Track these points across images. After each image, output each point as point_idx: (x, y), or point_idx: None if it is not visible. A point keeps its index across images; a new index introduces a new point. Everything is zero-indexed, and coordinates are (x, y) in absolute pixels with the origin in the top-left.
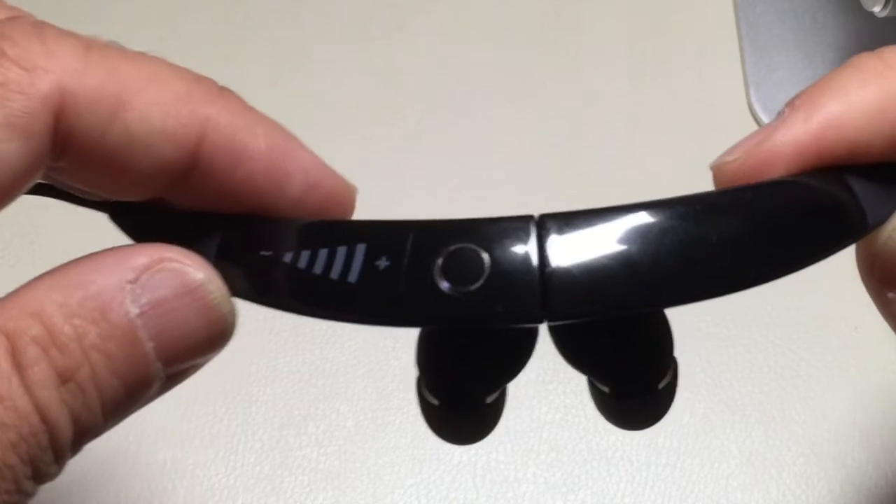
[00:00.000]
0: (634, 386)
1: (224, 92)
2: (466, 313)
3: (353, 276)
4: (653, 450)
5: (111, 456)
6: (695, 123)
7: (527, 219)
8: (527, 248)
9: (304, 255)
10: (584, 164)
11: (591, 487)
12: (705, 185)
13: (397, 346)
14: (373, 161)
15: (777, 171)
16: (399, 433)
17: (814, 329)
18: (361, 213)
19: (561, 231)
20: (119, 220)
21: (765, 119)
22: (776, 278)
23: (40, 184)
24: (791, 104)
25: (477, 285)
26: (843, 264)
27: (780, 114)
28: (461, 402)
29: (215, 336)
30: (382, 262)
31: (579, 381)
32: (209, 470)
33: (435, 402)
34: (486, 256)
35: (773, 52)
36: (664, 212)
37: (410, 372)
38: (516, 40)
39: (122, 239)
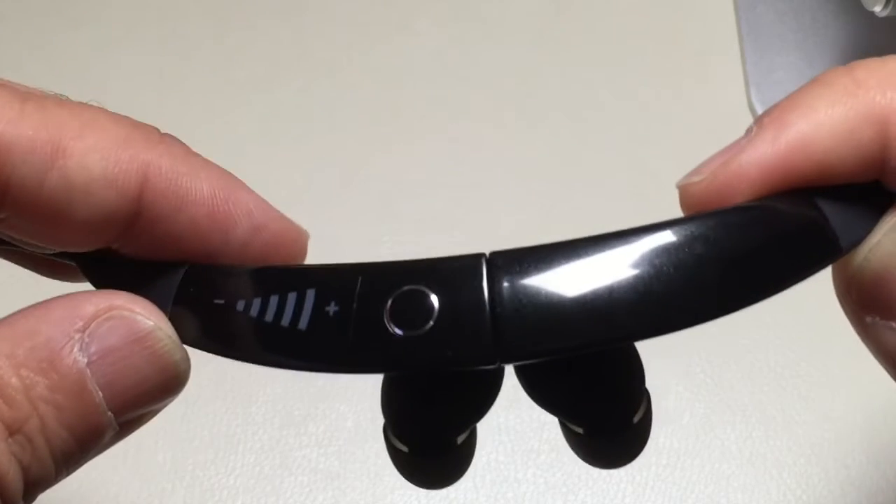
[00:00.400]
0: (607, 424)
1: (165, 137)
2: (417, 358)
3: (303, 323)
4: (653, 450)
5: (111, 456)
6: (695, 123)
7: (477, 257)
8: (477, 288)
9: (256, 303)
10: (584, 164)
11: (591, 488)
12: None
13: None
14: (372, 161)
15: (743, 192)
16: None
17: (814, 329)
18: (361, 213)
19: (512, 269)
20: (86, 270)
21: None
22: (744, 307)
23: None
24: (759, 122)
25: (426, 328)
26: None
27: (748, 130)
28: (430, 446)
29: (166, 384)
30: (332, 308)
31: None
32: (209, 470)
33: (404, 448)
34: (434, 298)
35: (773, 52)
36: (619, 245)
37: None
38: (516, 40)
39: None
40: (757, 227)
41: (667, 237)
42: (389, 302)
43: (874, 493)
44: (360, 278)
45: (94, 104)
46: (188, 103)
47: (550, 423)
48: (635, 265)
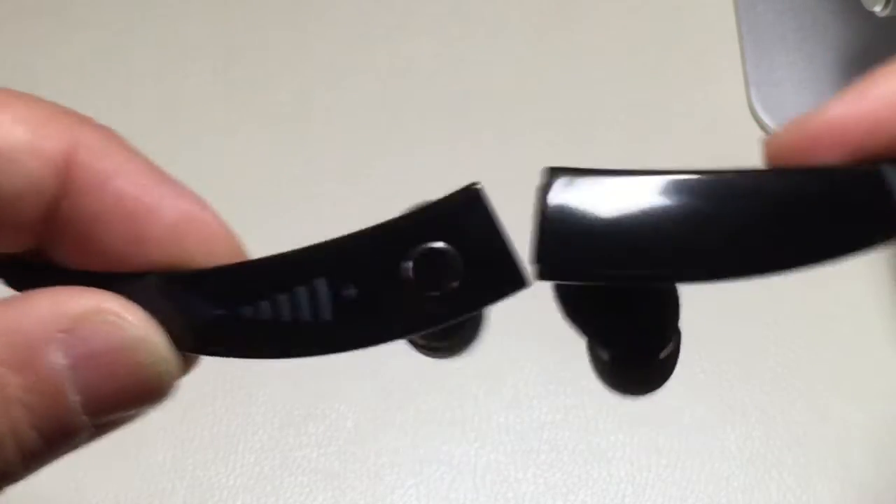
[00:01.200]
0: (634, 354)
1: (101, 126)
2: (456, 309)
3: (326, 314)
4: (653, 450)
5: (111, 456)
6: (695, 123)
7: (470, 187)
8: (490, 219)
9: (265, 306)
10: (584, 163)
11: (591, 488)
12: None
13: (397, 346)
14: (373, 161)
15: (826, 149)
16: (399, 433)
17: (814, 329)
18: (360, 213)
19: (566, 187)
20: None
21: (765, 119)
22: (790, 272)
23: None
24: (850, 85)
25: (454, 285)
26: (843, 263)
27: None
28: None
29: (149, 394)
30: (351, 291)
31: (579, 381)
32: (209, 470)
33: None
34: (450, 249)
35: (774, 52)
36: (677, 183)
37: (411, 372)
38: (516, 40)
39: None
40: (819, 189)
41: (731, 184)
42: (410, 267)
43: (874, 493)
44: (366, 250)
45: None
46: (188, 103)
47: (550, 423)
48: (689, 206)
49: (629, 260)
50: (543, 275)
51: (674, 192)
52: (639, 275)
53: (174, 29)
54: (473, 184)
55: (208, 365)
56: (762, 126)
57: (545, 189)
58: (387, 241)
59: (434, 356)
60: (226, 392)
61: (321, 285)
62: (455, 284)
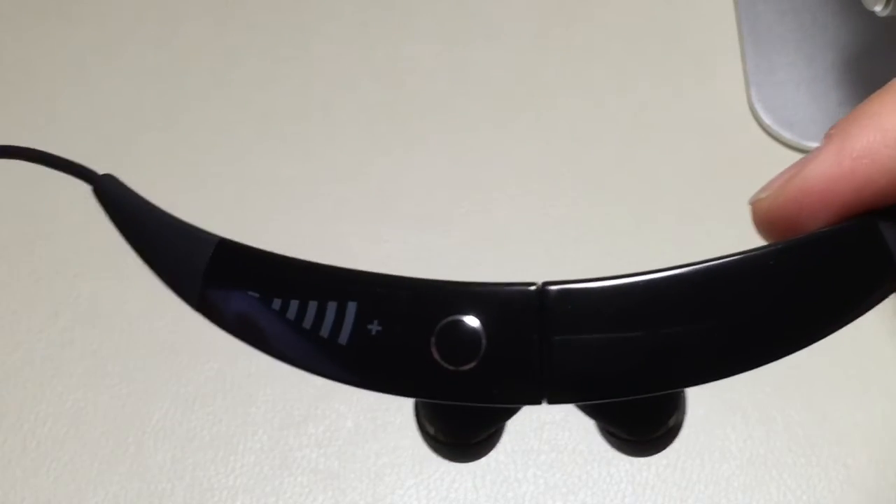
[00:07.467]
0: (644, 432)
1: None
2: (461, 393)
3: (343, 338)
4: None
5: (111, 456)
6: (695, 123)
7: (527, 287)
8: (527, 326)
9: (293, 305)
10: (584, 164)
11: (591, 488)
12: (705, 184)
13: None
14: (373, 161)
15: (812, 209)
16: (399, 433)
17: None
18: (360, 213)
19: (564, 305)
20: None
21: (765, 119)
22: (801, 349)
23: None
24: (827, 135)
25: (473, 364)
26: None
27: (818, 146)
28: (458, 440)
29: None
30: (374, 327)
31: None
32: (209, 470)
33: (431, 431)
34: (482, 331)
35: (774, 52)
36: (674, 285)
37: None
38: (516, 40)
39: None
40: (811, 263)
41: (725, 277)
42: (436, 330)
43: (874, 493)
44: (405, 299)
45: None
46: (188, 103)
47: (550, 422)
48: (689, 308)
49: (639, 375)
50: (554, 400)
51: (671, 296)
52: (651, 389)
53: (174, 29)
54: (536, 284)
55: (208, 364)
56: (762, 126)
57: (544, 311)
58: (430, 298)
59: (438, 450)
60: (226, 392)
61: (351, 308)
62: (469, 367)
